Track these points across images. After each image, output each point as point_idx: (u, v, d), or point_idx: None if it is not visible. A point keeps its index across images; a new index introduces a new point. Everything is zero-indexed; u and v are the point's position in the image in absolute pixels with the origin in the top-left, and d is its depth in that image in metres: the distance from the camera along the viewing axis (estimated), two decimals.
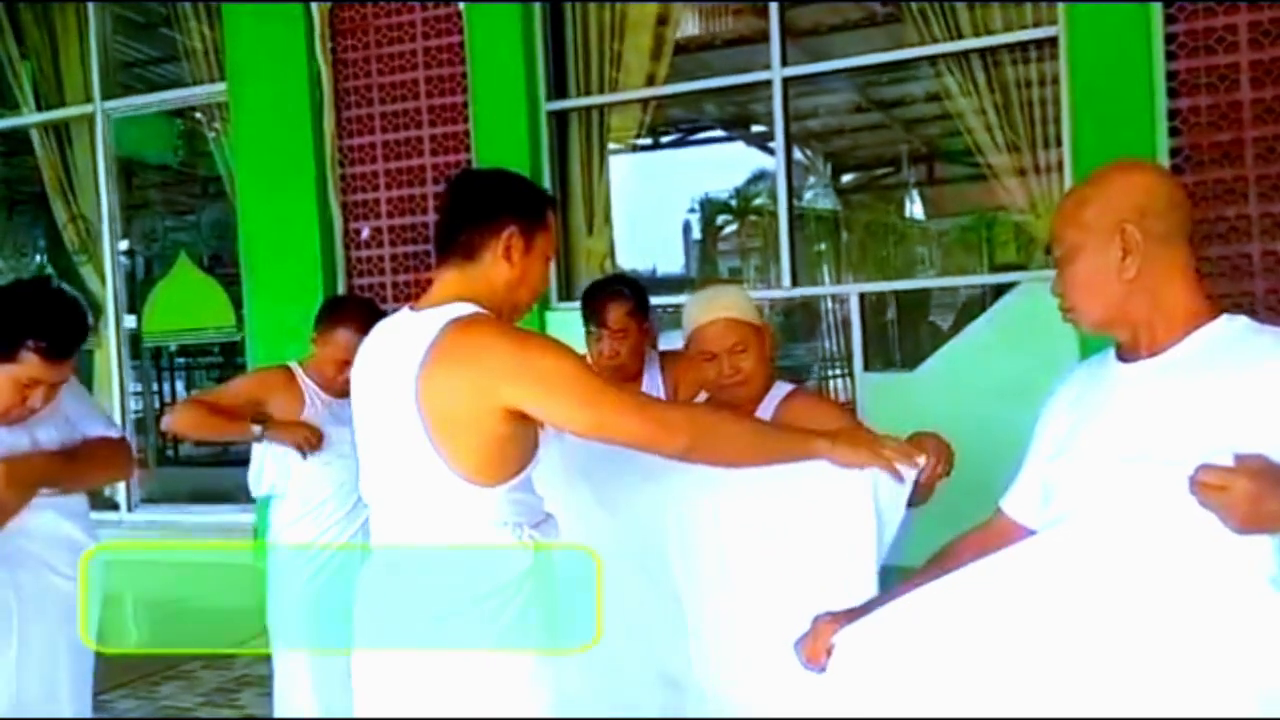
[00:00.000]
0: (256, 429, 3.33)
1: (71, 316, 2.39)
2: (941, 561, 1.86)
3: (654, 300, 3.43)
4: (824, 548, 2.16)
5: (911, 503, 2.13)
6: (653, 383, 3.29)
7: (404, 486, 1.96)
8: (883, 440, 2.08)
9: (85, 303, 2.43)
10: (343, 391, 3.27)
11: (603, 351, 3.16)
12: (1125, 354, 1.70)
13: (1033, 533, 1.76)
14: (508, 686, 1.90)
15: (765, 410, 2.43)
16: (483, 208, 2.03)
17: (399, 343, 1.96)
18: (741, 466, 2.08)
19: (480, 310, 1.95)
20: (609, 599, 2.08)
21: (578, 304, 3.36)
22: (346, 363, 3.27)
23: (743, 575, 2.25)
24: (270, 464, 3.43)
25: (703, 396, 2.59)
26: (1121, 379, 1.68)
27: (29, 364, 2.29)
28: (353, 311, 3.45)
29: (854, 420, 2.45)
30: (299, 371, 3.44)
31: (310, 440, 3.30)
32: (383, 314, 3.60)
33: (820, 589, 2.04)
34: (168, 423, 3.50)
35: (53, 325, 2.33)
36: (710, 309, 2.42)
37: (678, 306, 5.64)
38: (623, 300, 3.20)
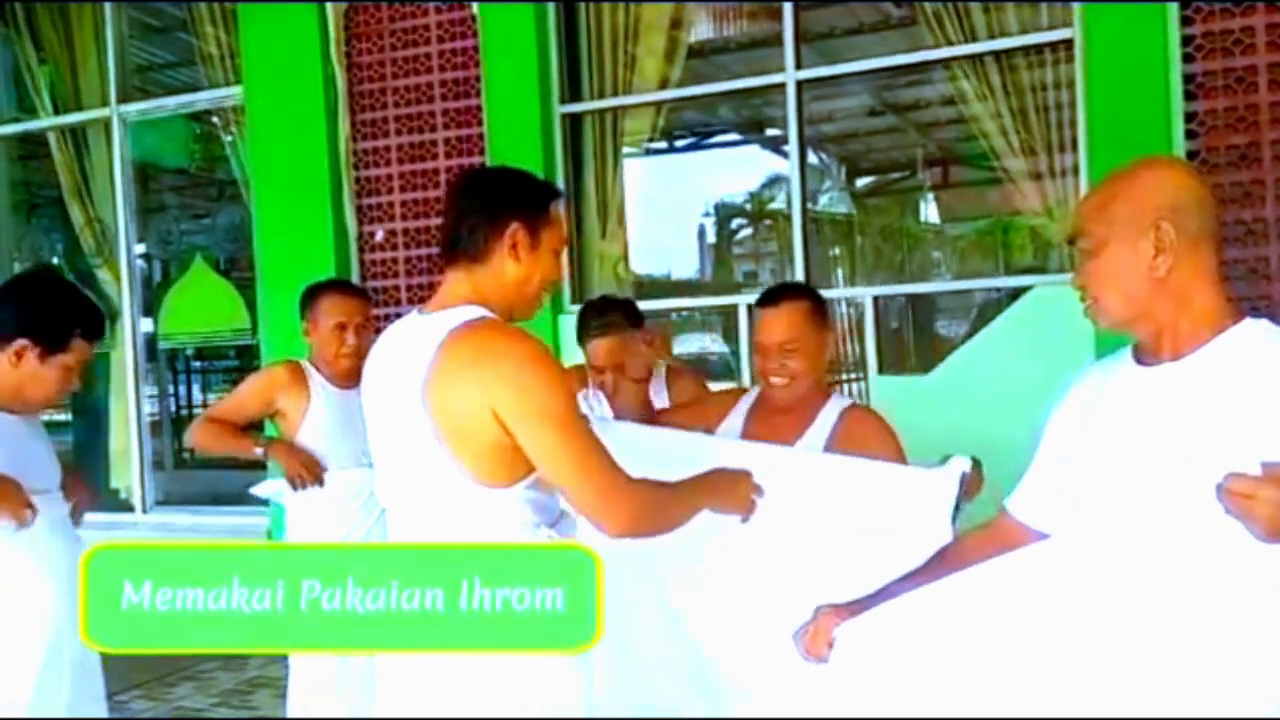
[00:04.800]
0: (258, 451, 3.36)
1: (89, 298, 2.62)
2: (944, 560, 1.86)
3: (668, 304, 3.41)
4: (894, 554, 2.15)
5: None
6: (658, 395, 3.25)
7: (419, 490, 1.96)
8: (735, 482, 2.10)
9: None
10: (350, 375, 3.29)
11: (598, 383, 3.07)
12: (1144, 356, 1.67)
13: (1040, 534, 1.75)
14: (533, 686, 1.90)
15: (823, 423, 2.43)
16: (485, 207, 2.01)
17: (408, 346, 1.96)
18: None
19: (487, 314, 1.94)
20: (637, 601, 2.09)
21: None
22: (342, 326, 3.32)
23: (798, 580, 2.24)
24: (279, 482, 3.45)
25: (746, 402, 2.57)
26: (1141, 382, 1.65)
27: (78, 350, 2.47)
28: (328, 283, 3.58)
29: (896, 443, 2.43)
30: (308, 367, 3.45)
31: (305, 474, 3.30)
32: (357, 285, 3.64)
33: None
34: (187, 439, 3.55)
35: (89, 308, 2.55)
36: (772, 300, 2.46)
37: (691, 310, 5.64)
38: (615, 332, 3.07)
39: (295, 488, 3.31)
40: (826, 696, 1.83)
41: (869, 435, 2.38)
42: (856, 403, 2.54)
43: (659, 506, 1.94)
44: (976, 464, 2.22)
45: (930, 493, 2.18)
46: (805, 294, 2.53)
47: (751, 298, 3.88)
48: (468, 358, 1.87)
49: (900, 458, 2.37)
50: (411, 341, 1.95)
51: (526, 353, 1.88)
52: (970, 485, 2.19)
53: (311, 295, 3.45)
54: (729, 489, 2.10)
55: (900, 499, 2.19)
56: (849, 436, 2.38)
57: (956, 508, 2.17)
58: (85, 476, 2.66)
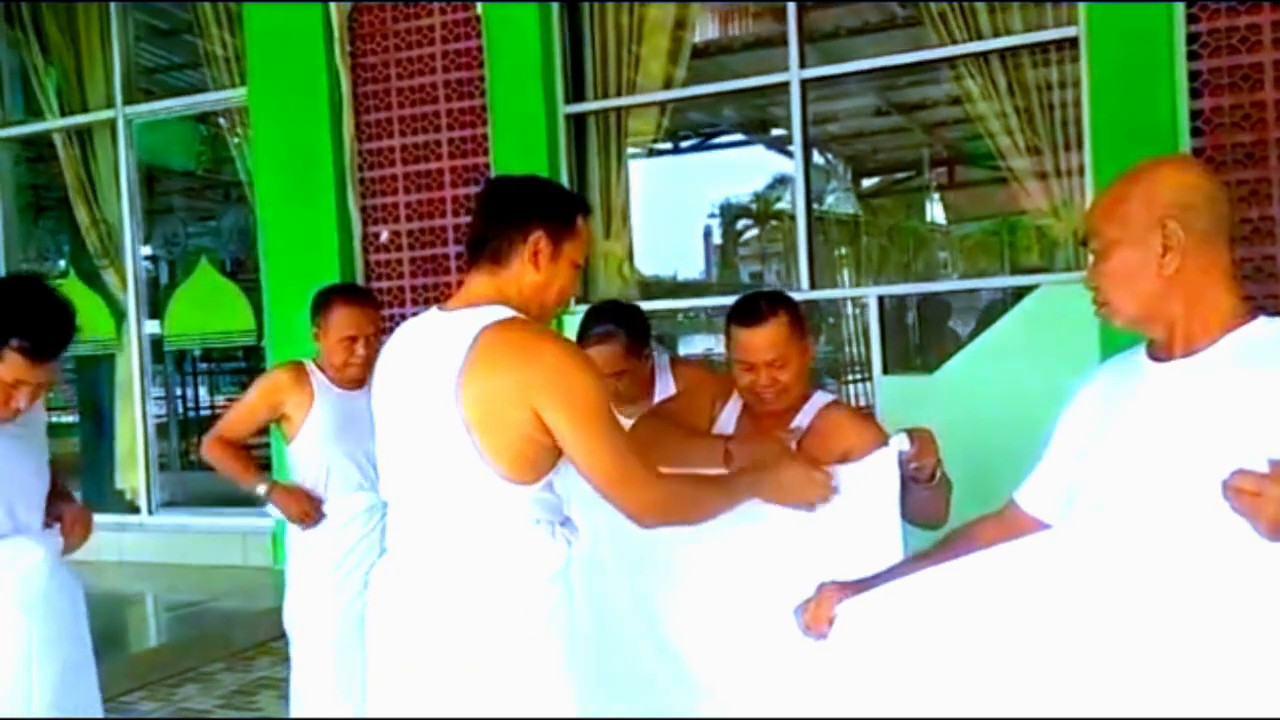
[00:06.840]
0: (261, 490, 3.39)
1: (57, 316, 2.35)
2: (950, 546, 1.86)
3: (673, 304, 3.40)
4: (845, 536, 2.17)
5: (916, 516, 2.20)
6: (664, 387, 3.25)
7: (439, 484, 1.96)
8: (808, 477, 2.19)
9: (72, 305, 2.37)
10: (355, 379, 3.31)
11: None
12: (1157, 353, 1.66)
13: (1048, 527, 1.75)
14: (538, 683, 1.92)
15: (802, 419, 2.43)
16: (512, 213, 2.04)
17: (434, 342, 1.97)
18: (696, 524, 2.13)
19: (518, 314, 1.97)
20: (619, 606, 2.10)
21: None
22: (353, 338, 3.33)
23: (758, 571, 2.26)
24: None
25: (736, 404, 2.56)
26: (1153, 379, 1.64)
27: (12, 364, 2.26)
28: (341, 290, 3.58)
29: (879, 435, 2.43)
30: (311, 367, 3.46)
31: (307, 515, 3.34)
32: (369, 292, 3.65)
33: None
34: (203, 452, 3.55)
35: (37, 325, 2.29)
36: (754, 320, 2.38)
37: (697, 310, 5.64)
38: (615, 342, 3.04)
39: (301, 527, 3.37)
40: (824, 674, 1.84)
41: (835, 430, 2.39)
42: (836, 400, 2.54)
43: (683, 499, 2.07)
44: (926, 435, 2.21)
45: (872, 478, 2.20)
46: (783, 306, 2.42)
47: None
48: (508, 354, 1.90)
49: (879, 441, 2.35)
50: (439, 337, 1.97)
51: (568, 353, 1.96)
52: (922, 454, 2.18)
53: (324, 301, 3.45)
54: (798, 485, 2.18)
55: (846, 493, 2.21)
56: (818, 434, 2.40)
57: (904, 484, 2.19)
58: (87, 490, 2.60)
